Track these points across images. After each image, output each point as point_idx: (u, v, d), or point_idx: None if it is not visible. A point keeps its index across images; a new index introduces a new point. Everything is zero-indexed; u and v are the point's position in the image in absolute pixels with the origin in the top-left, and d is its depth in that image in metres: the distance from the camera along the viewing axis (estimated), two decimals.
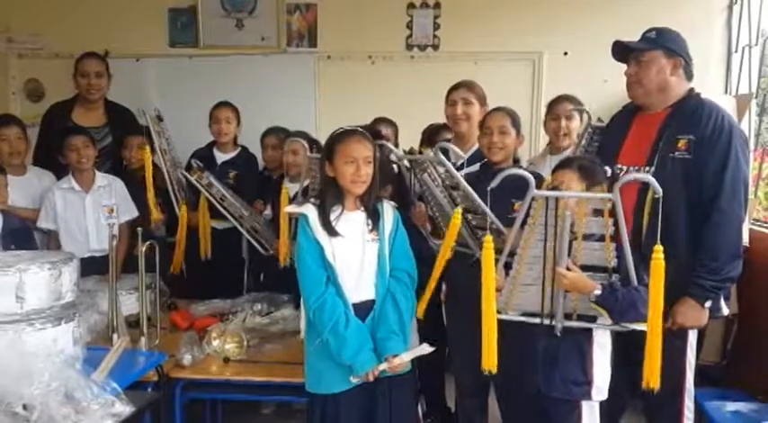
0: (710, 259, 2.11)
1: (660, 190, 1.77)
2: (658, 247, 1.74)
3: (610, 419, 2.20)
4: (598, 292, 1.87)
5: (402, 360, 2.04)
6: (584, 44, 3.86)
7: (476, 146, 2.65)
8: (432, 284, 2.21)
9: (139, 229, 2.48)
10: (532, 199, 1.90)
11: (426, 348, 2.07)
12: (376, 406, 2.10)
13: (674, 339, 2.18)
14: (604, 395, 2.04)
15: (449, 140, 2.72)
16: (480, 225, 2.22)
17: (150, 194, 3.04)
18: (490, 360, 1.86)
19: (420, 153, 2.96)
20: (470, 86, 2.78)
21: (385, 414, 2.10)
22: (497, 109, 2.49)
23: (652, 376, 1.78)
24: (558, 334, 1.98)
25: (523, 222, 1.94)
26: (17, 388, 1.56)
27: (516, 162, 2.49)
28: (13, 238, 2.75)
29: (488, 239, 1.86)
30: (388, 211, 2.18)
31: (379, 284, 2.12)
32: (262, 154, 3.44)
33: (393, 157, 2.66)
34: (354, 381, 2.03)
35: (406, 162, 2.70)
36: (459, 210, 2.10)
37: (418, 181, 2.47)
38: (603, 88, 3.52)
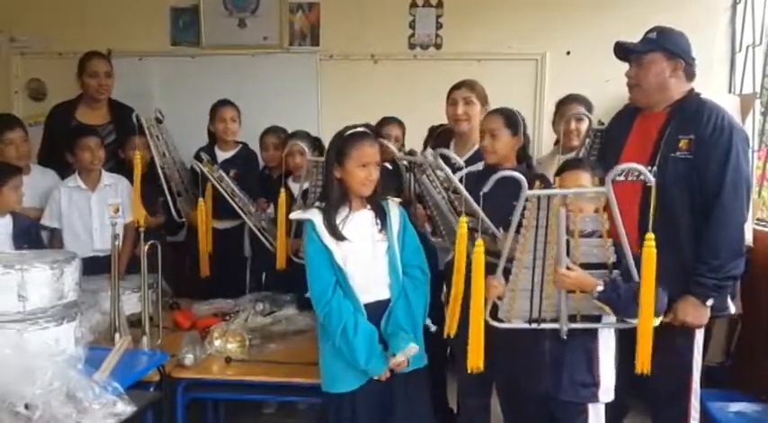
0: (712, 257, 2.10)
1: (652, 179, 1.79)
2: (650, 235, 1.74)
3: (613, 421, 2.19)
4: (600, 288, 1.87)
5: (397, 360, 2.03)
6: (587, 44, 3.85)
7: (476, 146, 2.63)
8: (455, 303, 2.02)
9: (141, 229, 2.48)
10: (526, 200, 1.85)
11: (413, 348, 2.03)
12: (393, 401, 2.10)
13: (680, 339, 2.18)
14: (611, 396, 2.03)
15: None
16: (478, 227, 2.20)
17: (136, 195, 3.02)
18: (476, 359, 1.86)
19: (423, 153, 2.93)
20: (472, 86, 2.75)
21: (403, 409, 2.10)
22: (492, 111, 2.45)
23: (644, 361, 1.80)
24: (564, 337, 1.96)
25: (520, 225, 1.90)
26: (19, 387, 1.57)
27: (521, 163, 2.42)
28: (25, 237, 2.76)
29: (479, 243, 1.82)
30: (394, 208, 2.18)
31: (394, 283, 2.12)
32: (262, 153, 3.43)
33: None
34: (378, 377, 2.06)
35: (405, 163, 2.67)
36: (463, 219, 1.98)
37: (417, 182, 2.46)
38: (606, 88, 3.50)
